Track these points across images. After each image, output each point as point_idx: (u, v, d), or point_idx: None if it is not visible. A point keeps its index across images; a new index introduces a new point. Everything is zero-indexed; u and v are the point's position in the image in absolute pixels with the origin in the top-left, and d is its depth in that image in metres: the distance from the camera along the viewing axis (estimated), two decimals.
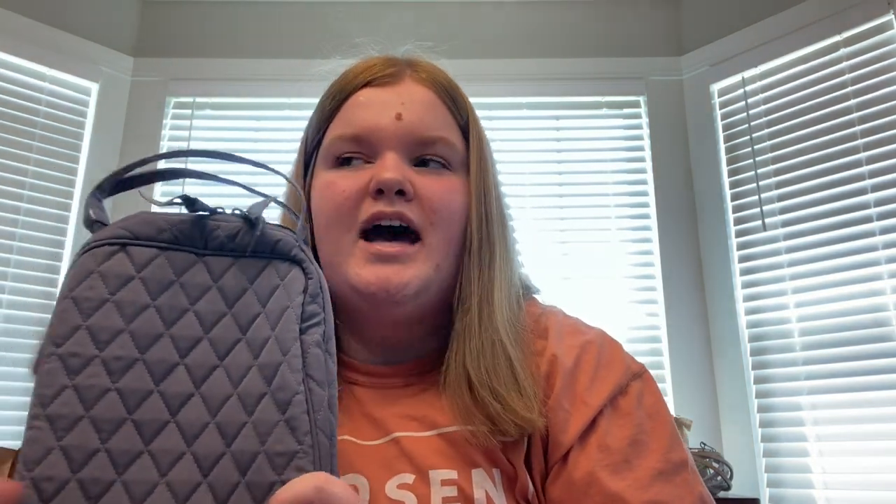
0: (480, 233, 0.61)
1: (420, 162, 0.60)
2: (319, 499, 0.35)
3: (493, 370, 0.56)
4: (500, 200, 0.66)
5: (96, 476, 0.36)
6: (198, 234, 0.43)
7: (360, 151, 0.60)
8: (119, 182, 0.46)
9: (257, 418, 0.39)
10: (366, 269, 0.57)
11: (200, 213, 0.44)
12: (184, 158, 0.49)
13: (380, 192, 0.57)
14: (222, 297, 0.42)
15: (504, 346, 0.58)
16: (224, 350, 0.41)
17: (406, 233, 0.58)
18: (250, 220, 0.44)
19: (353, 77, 0.63)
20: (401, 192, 0.57)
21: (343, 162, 0.60)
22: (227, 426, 0.39)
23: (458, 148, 0.62)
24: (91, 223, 0.43)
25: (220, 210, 0.45)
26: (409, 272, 0.57)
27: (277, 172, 0.51)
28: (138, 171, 0.46)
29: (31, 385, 0.39)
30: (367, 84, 0.62)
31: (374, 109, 0.60)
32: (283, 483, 0.37)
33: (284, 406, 0.39)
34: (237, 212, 0.45)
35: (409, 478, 0.54)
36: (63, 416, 0.37)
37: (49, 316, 0.39)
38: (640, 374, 0.61)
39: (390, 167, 0.57)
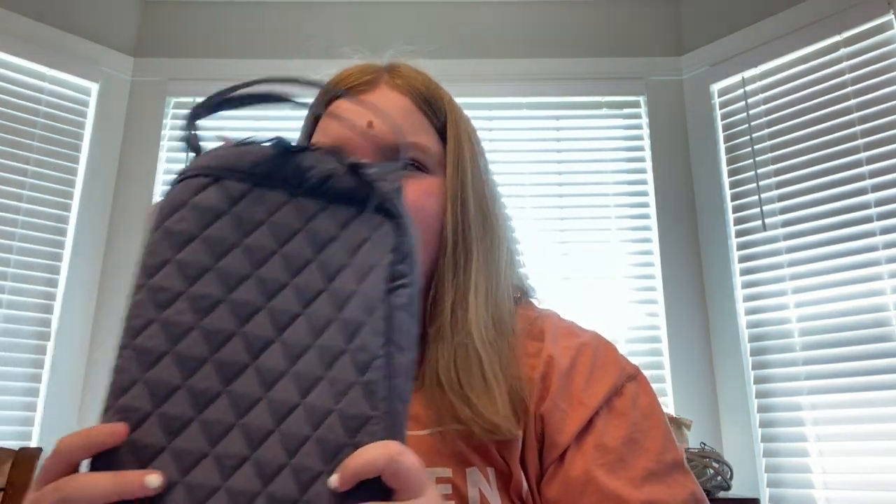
0: (455, 235, 0.61)
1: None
2: (391, 468, 0.36)
3: (464, 374, 0.56)
4: (484, 200, 0.66)
5: (177, 413, 0.37)
6: (291, 171, 0.42)
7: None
8: (217, 104, 0.46)
9: (334, 376, 0.38)
10: None
11: (296, 147, 0.43)
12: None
13: None
14: (309, 243, 0.41)
15: (476, 349, 0.58)
16: (307, 298, 0.40)
17: None
18: (351, 165, 0.42)
19: (329, 89, 0.65)
20: None
21: None
22: (304, 378, 0.38)
23: (432, 151, 0.63)
24: (195, 147, 0.42)
25: (314, 148, 0.43)
26: None
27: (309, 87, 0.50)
28: (245, 90, 0.46)
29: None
30: (340, 96, 0.64)
31: (347, 119, 0.61)
32: (355, 447, 0.37)
33: (363, 368, 0.39)
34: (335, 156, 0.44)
35: None
36: (148, 350, 0.38)
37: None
38: (634, 375, 0.62)
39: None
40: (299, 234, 0.41)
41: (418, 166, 0.62)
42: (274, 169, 0.42)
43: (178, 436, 0.36)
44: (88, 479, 0.35)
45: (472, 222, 0.62)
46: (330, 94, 0.64)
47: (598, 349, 0.62)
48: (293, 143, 0.43)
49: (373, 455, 0.36)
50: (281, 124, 2.22)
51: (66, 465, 0.36)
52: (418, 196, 0.60)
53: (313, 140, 0.63)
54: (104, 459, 0.36)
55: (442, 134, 0.65)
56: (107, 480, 0.35)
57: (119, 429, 0.36)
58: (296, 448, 0.37)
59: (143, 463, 0.36)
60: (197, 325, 0.38)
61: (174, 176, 0.42)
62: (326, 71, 0.74)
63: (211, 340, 0.38)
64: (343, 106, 0.63)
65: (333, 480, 0.36)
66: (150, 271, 0.38)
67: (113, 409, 0.37)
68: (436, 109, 0.65)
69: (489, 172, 0.69)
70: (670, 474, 0.56)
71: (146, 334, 0.38)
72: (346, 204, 0.42)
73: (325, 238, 0.41)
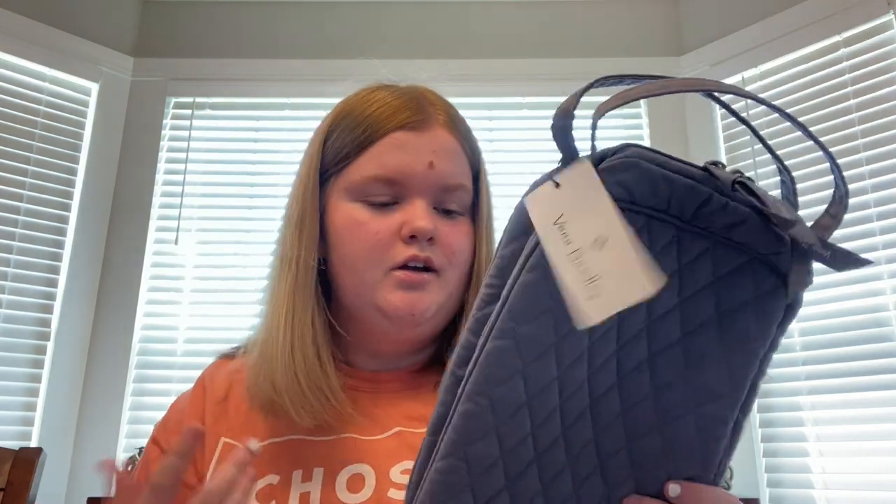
0: (479, 271, 0.67)
1: (441, 208, 0.66)
2: None
3: None
4: (491, 239, 0.70)
5: (518, 462, 0.34)
6: (692, 203, 0.35)
7: (391, 193, 0.64)
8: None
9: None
10: (394, 294, 0.62)
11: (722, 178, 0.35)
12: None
13: (412, 237, 0.62)
14: (679, 285, 0.35)
15: None
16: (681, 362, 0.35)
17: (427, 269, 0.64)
18: (783, 220, 0.34)
19: (385, 117, 0.65)
20: (430, 239, 0.63)
21: (375, 203, 0.64)
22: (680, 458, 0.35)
23: (470, 193, 0.68)
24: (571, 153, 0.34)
25: (742, 180, 0.36)
26: (429, 298, 0.63)
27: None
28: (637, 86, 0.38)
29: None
30: (400, 127, 0.65)
31: (408, 155, 0.64)
32: None
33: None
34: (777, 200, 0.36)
35: (412, 464, 0.56)
36: (506, 402, 0.34)
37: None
38: None
39: (422, 216, 0.62)
40: (672, 275, 0.35)
41: (459, 210, 0.66)
42: (672, 199, 0.35)
43: (516, 482, 0.35)
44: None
45: (489, 260, 0.67)
46: (389, 125, 0.65)
47: None
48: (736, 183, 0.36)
49: None
50: (280, 123, 2.22)
51: None
52: (461, 240, 0.65)
53: (368, 163, 0.64)
54: None
55: (475, 175, 0.69)
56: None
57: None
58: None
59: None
60: (556, 376, 0.34)
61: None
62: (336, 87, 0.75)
63: (563, 391, 0.34)
64: (405, 139, 0.64)
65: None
66: (520, 317, 0.33)
67: (458, 457, 0.35)
68: (474, 151, 0.70)
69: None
70: None
71: (507, 386, 0.34)
72: (735, 249, 0.36)
73: (701, 285, 0.35)
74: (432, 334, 0.68)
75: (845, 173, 0.41)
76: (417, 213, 0.62)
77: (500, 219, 0.60)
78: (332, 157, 0.67)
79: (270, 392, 0.61)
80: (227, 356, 0.72)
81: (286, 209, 0.70)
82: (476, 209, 0.68)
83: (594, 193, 0.34)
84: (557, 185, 0.34)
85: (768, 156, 1.91)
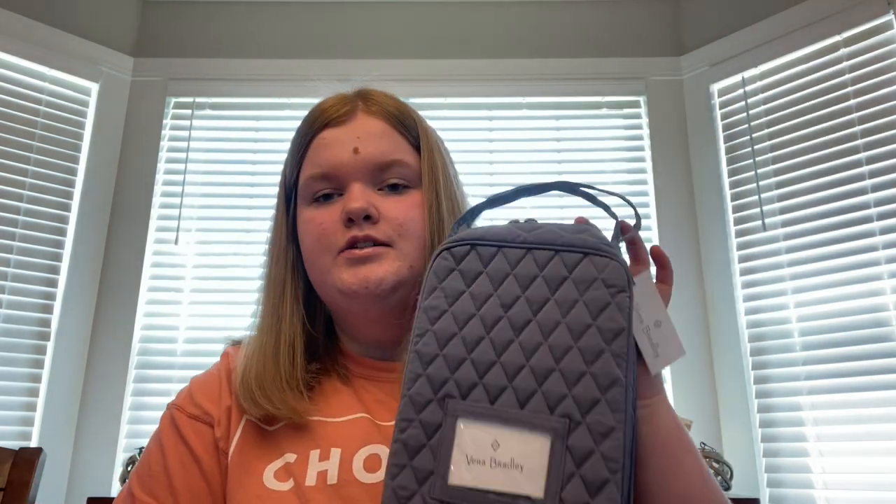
0: (433, 239, 0.68)
1: (387, 185, 0.69)
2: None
3: None
4: (455, 205, 0.73)
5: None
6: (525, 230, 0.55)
7: (330, 186, 0.69)
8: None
9: (576, 391, 0.48)
10: (346, 272, 0.66)
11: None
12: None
13: (350, 220, 0.66)
14: (546, 285, 0.52)
15: None
16: (549, 329, 0.50)
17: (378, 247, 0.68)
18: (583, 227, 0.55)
19: (312, 120, 0.71)
20: (368, 217, 0.66)
21: (319, 199, 0.69)
22: (551, 395, 0.49)
23: (413, 166, 0.70)
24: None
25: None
26: (382, 269, 0.65)
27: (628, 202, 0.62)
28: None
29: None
30: (326, 125, 0.70)
31: (334, 148, 0.69)
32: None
33: (605, 388, 0.48)
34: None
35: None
36: (426, 355, 0.53)
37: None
38: None
39: (356, 198, 0.66)
40: (538, 279, 0.52)
41: (404, 184, 0.69)
42: (509, 233, 0.55)
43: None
44: None
45: (446, 226, 0.69)
46: (315, 127, 0.71)
47: None
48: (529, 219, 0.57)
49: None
50: (280, 123, 2.22)
51: None
52: (406, 211, 0.68)
53: (305, 169, 0.71)
54: None
55: (418, 149, 0.72)
56: None
57: None
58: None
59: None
60: (467, 357, 0.52)
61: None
62: (303, 99, 0.76)
63: (477, 368, 0.51)
64: (329, 136, 0.70)
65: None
66: (432, 319, 0.54)
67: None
68: (409, 127, 0.72)
69: (458, 179, 0.77)
70: None
71: (434, 365, 0.52)
72: (571, 251, 0.52)
73: (558, 279, 0.52)
74: (410, 318, 0.68)
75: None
76: (351, 196, 0.67)
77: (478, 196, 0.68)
78: (290, 170, 0.74)
79: (259, 397, 0.65)
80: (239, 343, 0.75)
81: (271, 229, 0.76)
82: (429, 180, 0.71)
83: (652, 293, 0.56)
84: (633, 284, 0.52)
85: (768, 155, 1.92)
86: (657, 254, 0.61)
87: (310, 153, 0.70)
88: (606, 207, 0.59)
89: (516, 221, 0.57)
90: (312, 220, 0.69)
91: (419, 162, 0.71)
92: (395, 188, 0.69)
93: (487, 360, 0.51)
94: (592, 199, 0.60)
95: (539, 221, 0.56)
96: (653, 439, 0.56)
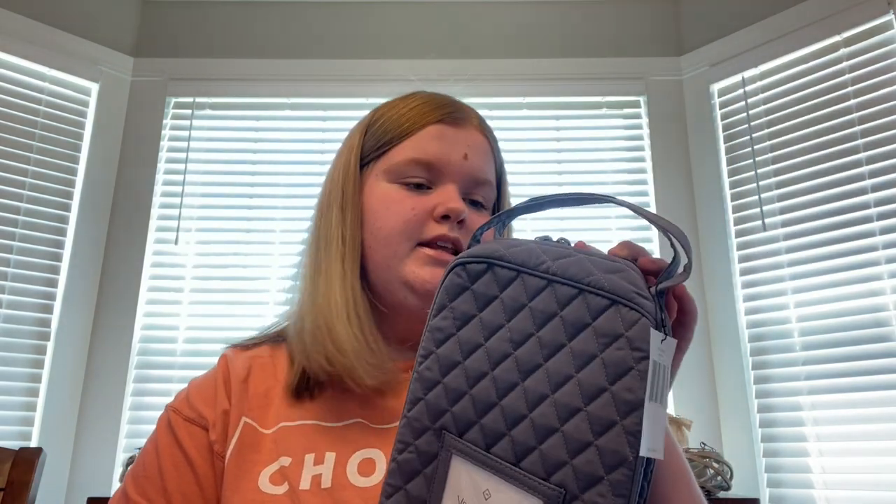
0: None
1: (470, 199, 0.71)
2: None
3: None
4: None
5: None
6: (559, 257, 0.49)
7: (427, 177, 0.70)
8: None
9: (577, 462, 0.43)
10: (423, 269, 0.66)
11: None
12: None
13: (444, 217, 0.67)
14: (563, 329, 0.46)
15: None
16: (557, 383, 0.45)
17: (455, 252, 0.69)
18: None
19: (427, 110, 0.72)
20: (461, 222, 0.68)
21: (410, 184, 0.69)
22: (549, 459, 0.44)
23: (494, 192, 0.74)
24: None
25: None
26: None
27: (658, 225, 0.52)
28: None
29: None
30: (441, 120, 0.71)
31: (446, 144, 0.70)
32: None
33: (610, 467, 0.42)
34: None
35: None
36: (431, 406, 0.50)
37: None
38: None
39: (456, 199, 0.68)
40: (556, 318, 0.46)
41: (483, 204, 0.72)
42: (533, 257, 0.49)
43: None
44: None
45: None
46: (433, 117, 0.71)
47: None
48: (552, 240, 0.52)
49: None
50: (280, 123, 2.22)
51: None
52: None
53: (407, 149, 0.70)
54: None
55: (497, 177, 0.76)
56: None
57: None
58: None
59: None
60: (467, 392, 0.48)
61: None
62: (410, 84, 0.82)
63: (475, 405, 0.48)
64: (445, 131, 0.71)
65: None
66: (438, 342, 0.51)
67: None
68: (498, 159, 0.77)
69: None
70: None
71: (433, 394, 0.49)
72: (600, 295, 0.45)
73: (579, 325, 0.45)
74: None
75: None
76: (451, 196, 0.68)
77: None
78: (374, 143, 0.72)
79: (333, 354, 0.64)
80: (241, 346, 0.74)
81: (323, 195, 0.74)
82: (497, 209, 0.75)
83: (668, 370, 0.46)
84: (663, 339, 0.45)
85: (768, 155, 1.92)
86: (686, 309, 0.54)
87: (418, 136, 0.70)
88: (666, 232, 0.50)
89: (547, 239, 0.52)
90: (403, 201, 0.68)
91: (496, 190, 0.75)
92: (475, 204, 0.71)
93: (488, 400, 0.47)
94: (647, 218, 0.53)
95: (572, 244, 0.51)
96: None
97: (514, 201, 0.77)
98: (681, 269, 0.49)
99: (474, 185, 0.71)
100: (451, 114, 0.72)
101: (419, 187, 0.69)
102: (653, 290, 0.46)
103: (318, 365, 0.65)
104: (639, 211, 0.52)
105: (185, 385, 0.73)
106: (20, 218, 1.95)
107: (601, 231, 2.09)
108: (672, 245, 0.51)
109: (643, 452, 0.42)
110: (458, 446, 0.48)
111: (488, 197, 0.73)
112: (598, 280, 0.45)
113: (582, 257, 0.48)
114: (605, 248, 0.55)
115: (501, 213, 0.58)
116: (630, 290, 0.44)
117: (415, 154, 0.69)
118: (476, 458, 0.47)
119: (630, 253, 0.51)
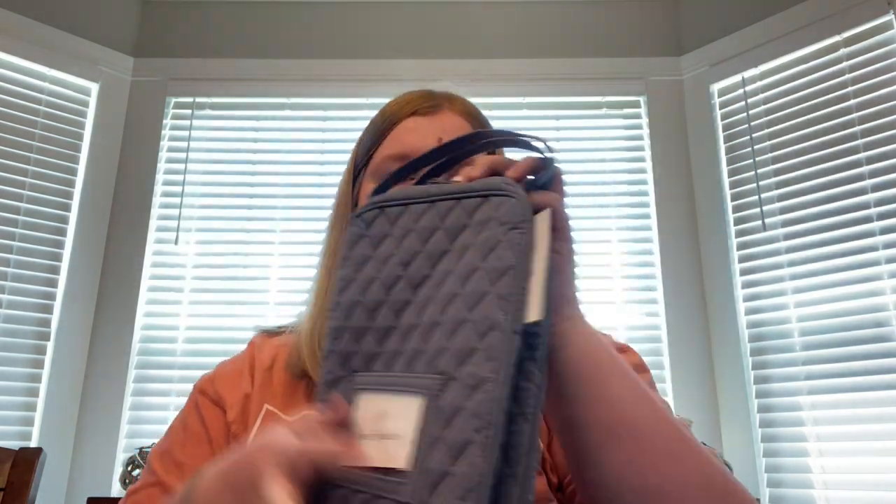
0: None
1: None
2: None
3: None
4: None
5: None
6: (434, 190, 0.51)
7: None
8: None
9: (453, 343, 0.43)
10: None
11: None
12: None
13: None
14: (446, 236, 0.48)
15: None
16: (439, 282, 0.46)
17: None
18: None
19: (400, 107, 0.75)
20: None
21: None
22: (432, 353, 0.44)
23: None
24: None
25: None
26: None
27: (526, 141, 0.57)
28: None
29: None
30: (413, 113, 0.74)
31: (419, 134, 0.72)
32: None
33: (482, 334, 0.42)
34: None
35: None
36: (341, 354, 0.50)
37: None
38: (624, 349, 0.67)
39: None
40: (438, 231, 0.49)
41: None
42: (418, 190, 0.52)
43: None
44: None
45: None
46: (402, 113, 0.74)
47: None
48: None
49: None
50: (280, 123, 2.22)
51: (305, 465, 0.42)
52: None
53: (384, 150, 0.74)
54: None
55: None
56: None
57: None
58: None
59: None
60: (370, 326, 0.49)
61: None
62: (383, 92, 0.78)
63: (377, 336, 0.49)
64: (415, 123, 0.73)
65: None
66: (341, 290, 0.52)
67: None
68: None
69: None
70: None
71: (338, 336, 0.51)
72: (474, 195, 0.48)
73: (458, 227, 0.48)
74: None
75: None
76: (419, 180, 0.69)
77: None
78: (362, 151, 0.76)
79: (302, 356, 0.69)
80: (270, 333, 0.78)
81: (333, 208, 0.79)
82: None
83: (539, 236, 0.46)
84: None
85: (768, 155, 1.92)
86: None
87: (392, 135, 0.73)
88: (526, 144, 0.54)
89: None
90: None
91: None
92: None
93: (386, 325, 0.48)
94: (519, 143, 0.56)
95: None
96: (567, 367, 0.50)
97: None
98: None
99: (455, 164, 0.71)
100: (424, 105, 0.74)
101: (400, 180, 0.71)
102: (522, 183, 0.49)
103: (311, 367, 0.68)
104: (496, 134, 0.59)
105: (185, 385, 0.75)
106: (20, 218, 1.95)
107: (601, 231, 2.09)
108: (540, 152, 0.54)
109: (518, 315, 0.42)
110: (361, 381, 0.47)
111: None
112: (472, 185, 0.48)
113: (461, 180, 0.51)
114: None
115: (381, 184, 0.59)
116: (499, 182, 0.47)
117: (390, 150, 0.72)
118: (374, 383, 0.46)
119: (500, 168, 0.53)
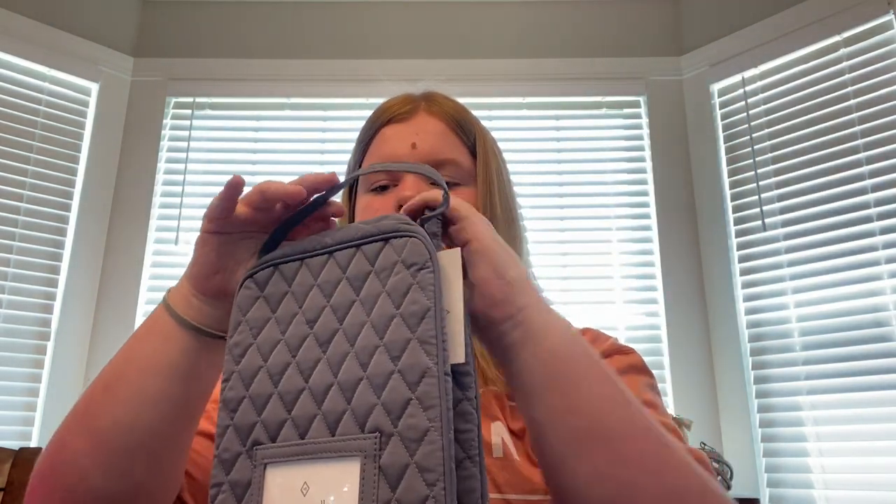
0: None
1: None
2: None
3: None
4: (508, 206, 0.76)
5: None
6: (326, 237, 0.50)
7: (388, 178, 0.72)
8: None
9: (385, 397, 0.41)
10: None
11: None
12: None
13: (400, 207, 0.68)
14: (351, 286, 0.46)
15: None
16: (353, 335, 0.44)
17: None
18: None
19: (377, 117, 0.76)
20: None
21: (376, 188, 0.73)
22: (360, 410, 0.42)
23: (466, 166, 0.74)
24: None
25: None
26: None
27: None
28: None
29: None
30: (388, 122, 0.75)
31: (394, 142, 0.73)
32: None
33: (414, 383, 0.41)
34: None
35: None
36: (239, 427, 0.47)
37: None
38: (627, 352, 0.70)
39: (409, 187, 0.69)
40: (342, 282, 0.47)
41: (455, 182, 0.72)
42: (312, 242, 0.49)
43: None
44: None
45: (499, 226, 0.70)
46: (379, 123, 0.75)
47: (599, 333, 0.73)
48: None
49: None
50: (280, 123, 2.22)
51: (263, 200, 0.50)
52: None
53: (367, 160, 0.75)
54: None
55: (473, 152, 0.75)
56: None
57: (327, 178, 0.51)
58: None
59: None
60: (274, 391, 0.46)
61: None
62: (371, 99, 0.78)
63: (284, 400, 0.45)
64: (391, 131, 0.74)
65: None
66: (237, 358, 0.48)
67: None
68: (466, 131, 0.76)
69: (511, 183, 0.80)
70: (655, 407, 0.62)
71: (236, 408, 0.47)
72: (373, 240, 0.47)
73: (363, 275, 0.46)
74: None
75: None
76: (405, 186, 0.70)
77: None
78: (353, 164, 0.79)
79: None
80: None
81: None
82: (483, 176, 0.75)
83: (451, 274, 0.46)
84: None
85: (768, 155, 1.92)
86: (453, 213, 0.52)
87: (372, 147, 0.75)
88: (437, 181, 0.52)
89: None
90: (369, 206, 0.72)
91: (474, 164, 0.74)
92: (448, 185, 0.72)
93: (295, 388, 0.44)
94: (398, 169, 0.57)
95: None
96: (530, 371, 0.47)
97: (516, 200, 0.79)
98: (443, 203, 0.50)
99: (434, 167, 0.70)
100: (400, 111, 0.75)
101: (384, 189, 0.72)
102: (418, 221, 0.48)
103: None
104: (388, 167, 0.60)
105: None
106: (20, 218, 1.95)
107: (601, 231, 2.09)
108: (436, 184, 0.52)
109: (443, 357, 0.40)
110: (269, 453, 0.44)
111: (458, 174, 0.72)
112: (368, 230, 0.47)
113: (355, 224, 0.49)
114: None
115: (267, 241, 0.54)
116: (395, 224, 0.46)
117: (370, 161, 0.74)
118: (290, 454, 0.43)
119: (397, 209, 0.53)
